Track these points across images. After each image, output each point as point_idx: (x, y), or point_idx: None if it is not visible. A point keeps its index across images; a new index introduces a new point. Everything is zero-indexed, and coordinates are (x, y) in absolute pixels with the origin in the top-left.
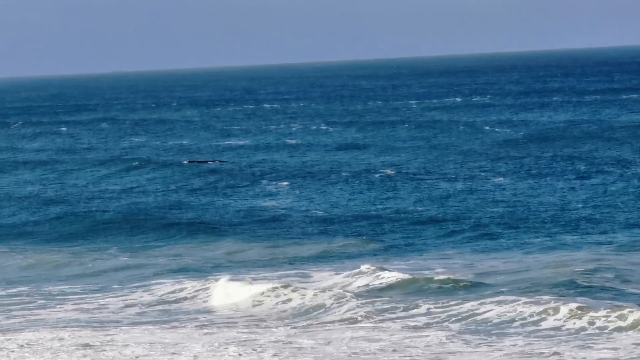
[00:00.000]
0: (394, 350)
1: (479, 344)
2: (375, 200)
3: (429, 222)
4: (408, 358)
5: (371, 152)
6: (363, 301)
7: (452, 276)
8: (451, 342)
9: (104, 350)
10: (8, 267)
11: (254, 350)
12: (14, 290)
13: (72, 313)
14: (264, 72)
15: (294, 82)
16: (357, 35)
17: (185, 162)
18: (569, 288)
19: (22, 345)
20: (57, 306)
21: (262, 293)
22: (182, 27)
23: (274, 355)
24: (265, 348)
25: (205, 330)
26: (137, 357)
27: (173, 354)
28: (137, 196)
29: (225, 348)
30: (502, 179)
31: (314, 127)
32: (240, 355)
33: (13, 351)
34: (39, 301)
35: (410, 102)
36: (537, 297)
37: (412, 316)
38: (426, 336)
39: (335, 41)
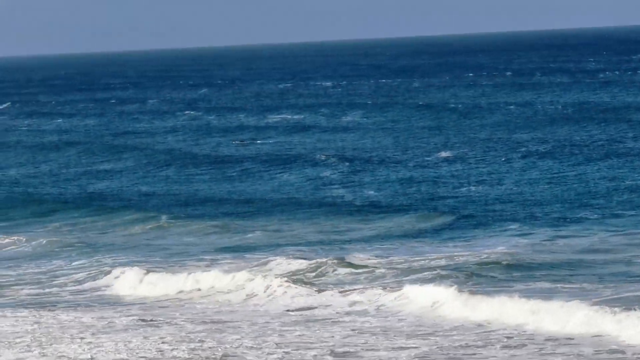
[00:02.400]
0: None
1: None
2: (431, 182)
3: (492, 201)
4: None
5: (427, 132)
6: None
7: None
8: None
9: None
10: None
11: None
12: None
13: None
14: (307, 49)
15: (339, 59)
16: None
17: (234, 142)
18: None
19: None
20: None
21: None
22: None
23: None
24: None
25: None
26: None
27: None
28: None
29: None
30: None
31: (363, 106)
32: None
33: None
34: None
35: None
36: None
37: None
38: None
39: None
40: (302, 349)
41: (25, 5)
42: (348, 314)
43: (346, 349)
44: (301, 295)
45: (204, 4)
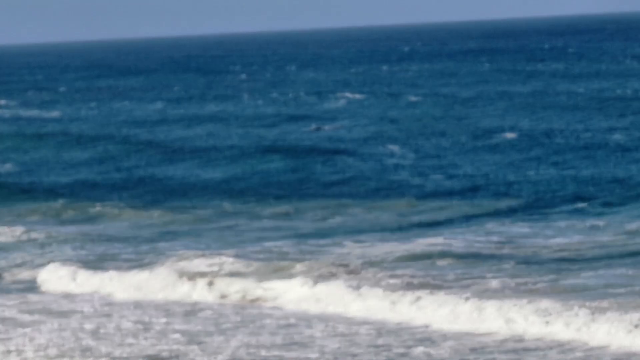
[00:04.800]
0: None
1: None
2: (491, 165)
3: (563, 185)
4: None
5: (488, 112)
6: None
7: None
8: None
9: None
10: None
11: None
12: None
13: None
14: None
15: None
16: None
17: (311, 128)
18: None
19: None
20: None
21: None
22: None
23: None
24: None
25: None
26: None
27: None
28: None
29: None
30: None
31: (429, 89)
32: None
33: None
34: None
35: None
36: None
37: None
38: None
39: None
40: None
41: None
42: None
43: None
44: None
45: None
